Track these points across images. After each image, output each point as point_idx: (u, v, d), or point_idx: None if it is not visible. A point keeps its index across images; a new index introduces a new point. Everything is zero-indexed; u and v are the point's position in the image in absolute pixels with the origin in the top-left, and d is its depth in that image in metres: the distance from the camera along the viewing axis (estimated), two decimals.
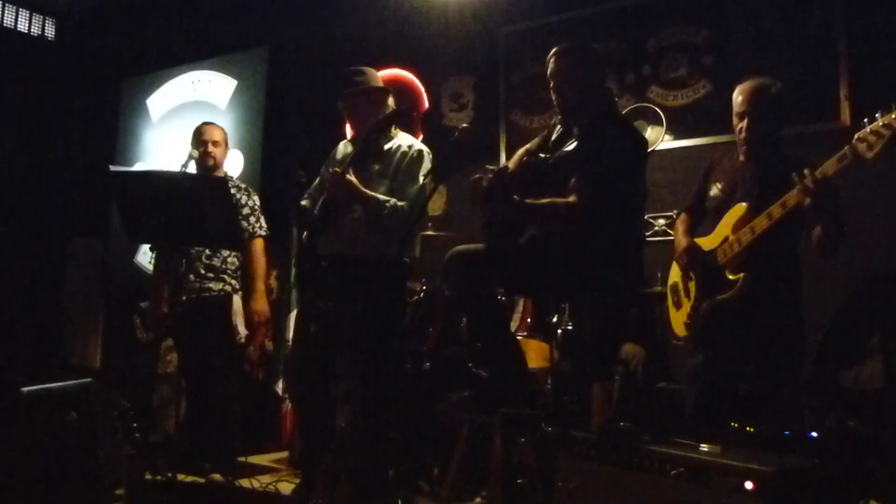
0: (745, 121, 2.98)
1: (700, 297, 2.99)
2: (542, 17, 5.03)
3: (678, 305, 3.13)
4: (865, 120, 2.55)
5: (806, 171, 2.60)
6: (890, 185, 3.83)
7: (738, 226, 2.88)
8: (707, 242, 3.04)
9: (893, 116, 2.47)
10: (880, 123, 2.49)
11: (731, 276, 2.87)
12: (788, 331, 2.91)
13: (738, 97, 3.02)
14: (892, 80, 3.76)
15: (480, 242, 2.93)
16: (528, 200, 2.74)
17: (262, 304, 4.15)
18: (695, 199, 3.25)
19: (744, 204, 2.90)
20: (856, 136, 2.54)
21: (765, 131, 2.98)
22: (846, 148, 2.56)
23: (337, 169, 3.28)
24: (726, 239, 2.92)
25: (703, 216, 3.19)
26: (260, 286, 4.16)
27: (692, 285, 3.05)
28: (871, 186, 3.84)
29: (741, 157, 3.07)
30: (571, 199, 2.72)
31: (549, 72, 2.98)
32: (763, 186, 2.88)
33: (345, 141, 3.78)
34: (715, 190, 3.10)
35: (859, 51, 3.98)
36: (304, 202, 3.56)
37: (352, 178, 3.22)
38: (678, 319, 3.12)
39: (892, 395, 3.14)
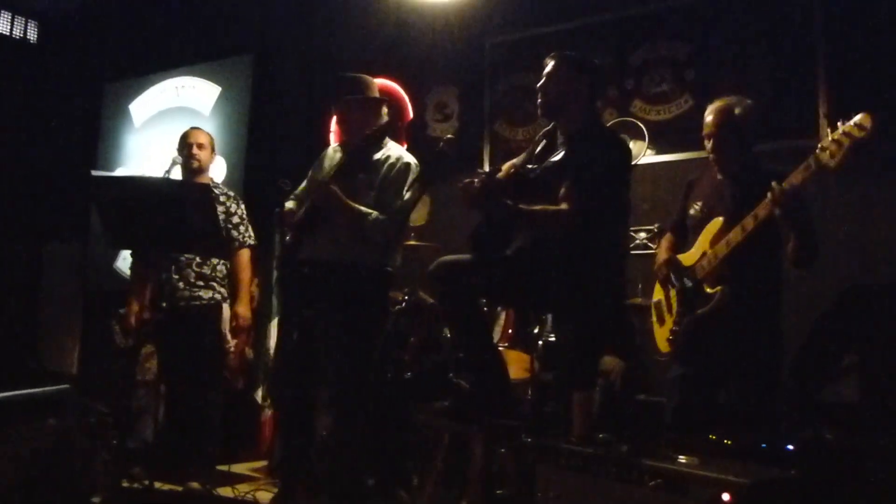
0: (712, 141, 3.03)
1: (681, 313, 3.02)
2: (527, 29, 5.07)
3: (661, 321, 3.16)
4: (829, 130, 2.60)
5: (773, 183, 2.65)
6: (866, 201, 3.90)
7: (715, 240, 2.92)
8: (687, 258, 3.07)
9: (852, 124, 2.53)
10: (840, 132, 2.55)
11: (709, 290, 2.91)
12: (766, 343, 2.94)
13: (706, 118, 3.07)
14: (870, 97, 3.82)
15: (465, 253, 2.93)
16: (522, 206, 2.74)
17: (245, 310, 4.14)
18: (677, 218, 3.28)
19: (720, 218, 2.94)
20: (818, 145, 2.59)
21: (733, 150, 3.01)
22: (810, 158, 2.61)
23: (322, 179, 3.27)
24: (704, 254, 2.96)
25: (686, 235, 3.22)
26: (245, 293, 4.15)
27: (674, 301, 3.08)
28: (847, 203, 3.91)
29: (718, 176, 3.11)
30: (563, 206, 2.73)
31: (544, 71, 2.98)
32: (739, 202, 2.92)
33: (334, 145, 3.76)
34: (694, 209, 3.14)
35: (838, 68, 4.05)
36: (288, 204, 3.55)
37: (336, 189, 3.21)
38: (661, 335, 3.14)
39: (868, 408, 3.19)
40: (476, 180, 2.77)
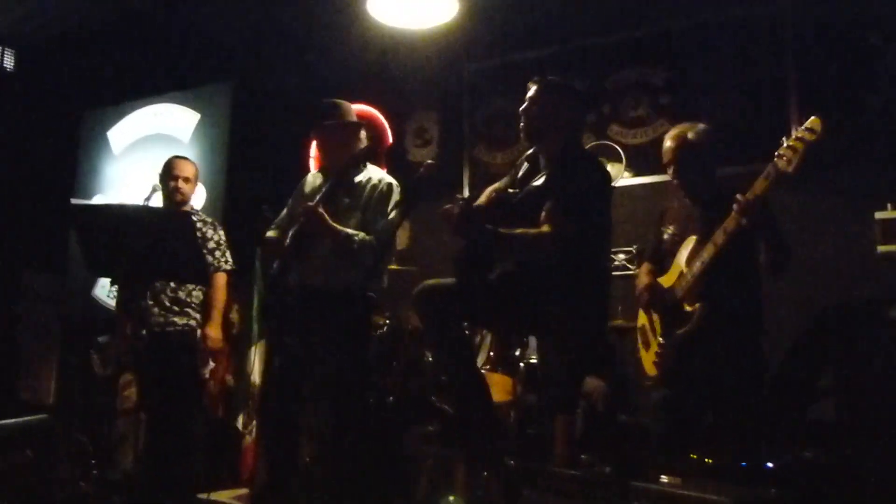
0: (672, 168, 3.11)
1: (665, 335, 3.04)
2: (506, 55, 5.14)
3: (647, 346, 3.18)
4: (784, 138, 2.69)
5: (737, 196, 2.72)
6: (841, 222, 3.97)
7: (690, 258, 2.97)
8: (666, 280, 3.11)
9: (804, 129, 2.64)
10: (794, 138, 2.65)
11: (688, 308, 2.94)
12: (748, 359, 2.97)
13: (664, 145, 3.15)
14: (841, 122, 3.90)
15: (448, 276, 2.94)
16: (502, 230, 2.76)
17: (215, 331, 4.11)
18: (653, 246, 3.33)
19: (693, 237, 2.99)
20: (776, 153, 2.68)
21: (693, 174, 3.08)
22: (769, 166, 2.69)
23: (309, 204, 3.28)
24: (682, 273, 3.00)
25: (663, 261, 3.25)
26: (216, 316, 4.13)
27: (658, 324, 3.11)
28: (823, 223, 3.98)
29: (685, 199, 3.17)
30: (544, 228, 2.75)
31: (527, 95, 3.02)
32: (709, 221, 2.97)
33: (313, 172, 3.79)
34: (667, 234, 3.20)
35: (809, 94, 4.15)
36: (271, 233, 3.56)
37: (322, 212, 3.23)
38: (648, 359, 3.16)
39: (846, 427, 3.22)
40: (455, 206, 2.79)
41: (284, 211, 3.67)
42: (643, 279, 3.21)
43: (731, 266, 2.88)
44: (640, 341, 3.23)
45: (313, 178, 3.70)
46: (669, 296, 3.04)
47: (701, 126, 3.10)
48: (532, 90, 3.01)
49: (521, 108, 3.02)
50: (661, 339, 3.04)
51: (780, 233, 2.85)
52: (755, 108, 4.28)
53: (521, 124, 3.02)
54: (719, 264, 2.85)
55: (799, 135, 2.64)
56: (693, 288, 2.93)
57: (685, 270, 2.97)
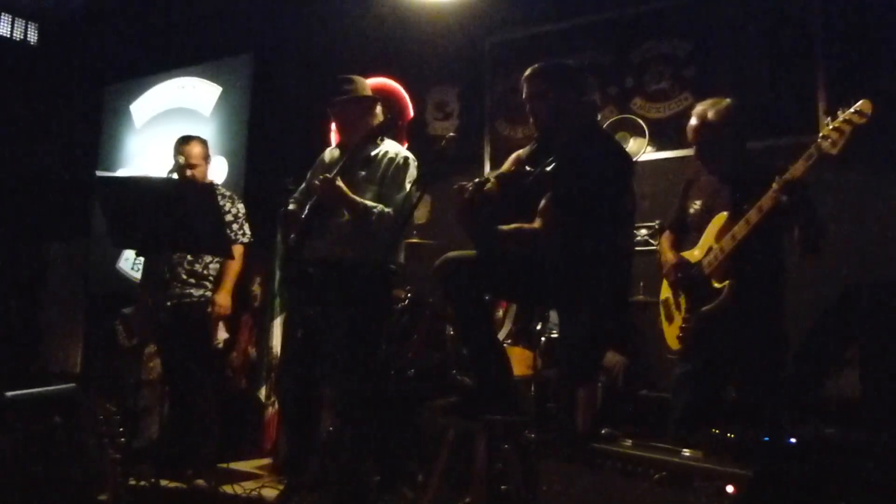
0: (695, 148, 3.08)
1: (690, 310, 3.02)
2: (527, 28, 5.09)
3: (670, 320, 3.16)
4: (829, 119, 2.63)
5: (777, 177, 2.68)
6: (866, 197, 3.92)
7: (721, 235, 2.93)
8: (692, 255, 3.09)
9: (852, 111, 2.57)
10: (841, 119, 2.58)
11: (717, 285, 2.91)
12: (771, 337, 2.96)
13: (689, 123, 3.09)
14: (869, 93, 3.83)
15: (468, 249, 2.95)
16: (499, 227, 2.76)
17: (223, 299, 4.14)
18: (676, 216, 3.29)
19: (724, 213, 2.95)
20: (819, 134, 2.62)
21: (716, 152, 3.03)
22: (812, 147, 2.64)
23: (326, 175, 3.30)
24: (710, 249, 2.97)
25: (685, 232, 3.24)
26: (228, 284, 4.16)
27: (682, 299, 3.09)
28: (848, 199, 3.93)
29: (712, 176, 3.14)
30: (536, 223, 2.74)
31: (523, 95, 2.97)
32: (739, 197, 2.94)
33: (331, 147, 3.81)
34: (693, 208, 3.15)
35: (837, 65, 4.07)
36: (290, 206, 3.58)
37: (341, 184, 3.25)
38: (671, 333, 3.14)
39: (869, 403, 3.20)
40: (465, 191, 2.79)
41: (303, 185, 3.68)
42: (669, 256, 3.17)
43: (760, 244, 2.85)
44: (663, 314, 3.22)
45: (330, 152, 3.71)
46: (696, 271, 3.02)
47: (724, 104, 3.02)
48: (524, 88, 2.95)
49: (526, 106, 2.97)
50: (685, 313, 3.02)
51: (816, 211, 2.81)
52: (781, 79, 4.20)
53: (532, 121, 2.98)
54: (750, 242, 2.82)
55: (847, 117, 2.56)
56: (722, 264, 2.90)
57: (715, 246, 2.94)
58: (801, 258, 2.90)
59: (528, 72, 2.97)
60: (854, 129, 2.55)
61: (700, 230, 3.06)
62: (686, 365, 3.06)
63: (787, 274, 3.04)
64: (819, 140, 2.61)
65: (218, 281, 4.17)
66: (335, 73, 3.67)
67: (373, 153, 3.48)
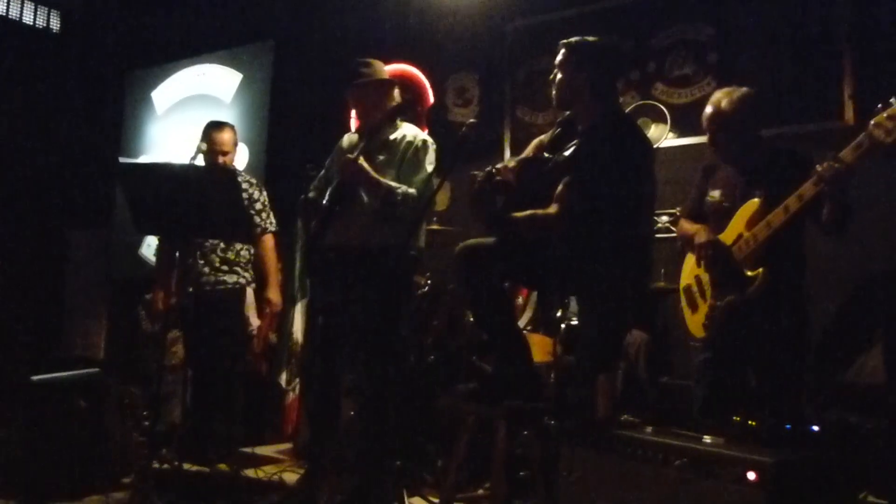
0: (708, 138, 3.09)
1: (717, 297, 2.99)
2: (547, 13, 5.06)
3: (693, 307, 3.13)
4: (880, 105, 2.55)
5: (826, 163, 2.62)
6: (892, 181, 3.86)
7: (753, 222, 2.88)
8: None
9: None
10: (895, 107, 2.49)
11: (749, 273, 2.87)
12: (797, 325, 2.93)
13: (704, 111, 3.09)
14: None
15: (489, 236, 2.94)
16: (509, 215, 2.75)
17: (275, 295, 4.19)
18: (695, 202, 3.26)
19: (756, 199, 2.91)
20: (871, 122, 2.53)
21: (725, 145, 3.03)
22: (862, 135, 2.56)
23: (349, 156, 3.29)
24: (741, 236, 2.92)
25: (703, 220, 3.19)
26: (274, 279, 4.22)
27: (707, 286, 3.06)
28: (873, 183, 3.87)
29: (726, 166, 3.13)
30: (552, 209, 2.72)
31: (555, 61, 2.94)
32: (764, 185, 2.91)
33: (349, 133, 3.80)
34: (713, 196, 3.12)
35: (863, 49, 4.00)
36: (310, 193, 3.59)
37: (364, 164, 3.24)
38: (695, 321, 3.11)
39: (893, 390, 3.18)
40: (476, 180, 2.78)
41: (322, 172, 3.69)
42: (702, 234, 3.08)
43: (790, 231, 2.83)
44: (684, 302, 3.19)
45: (349, 138, 3.71)
46: (728, 260, 2.97)
47: (739, 93, 3.00)
48: (559, 55, 2.92)
49: (550, 77, 2.95)
50: (712, 299, 3.00)
51: (848, 204, 2.77)
52: (806, 64, 4.13)
53: (553, 92, 2.95)
54: (783, 232, 2.79)
55: None
56: (755, 252, 2.86)
57: (746, 234, 2.90)
58: (835, 240, 2.86)
59: (563, 41, 2.93)
60: None
61: (719, 219, 3.03)
62: (708, 352, 3.04)
63: (807, 260, 3.01)
64: (871, 128, 2.53)
65: (260, 276, 4.20)
66: (355, 60, 3.66)
67: (391, 137, 3.48)
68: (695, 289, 3.13)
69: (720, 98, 3.02)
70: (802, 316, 2.96)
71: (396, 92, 3.61)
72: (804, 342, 2.97)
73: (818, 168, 2.64)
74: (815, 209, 2.79)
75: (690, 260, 3.20)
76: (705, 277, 3.08)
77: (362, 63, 3.57)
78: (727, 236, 3.01)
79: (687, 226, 3.23)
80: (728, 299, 2.93)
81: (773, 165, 2.95)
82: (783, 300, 2.88)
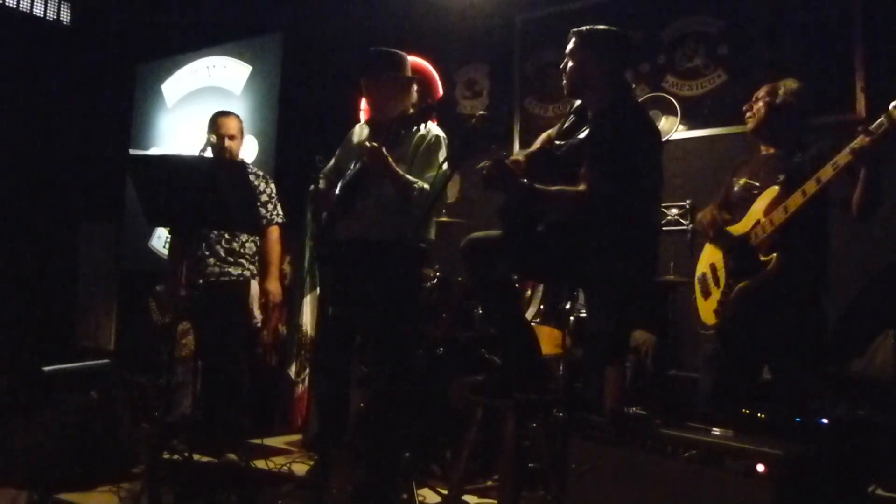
0: (753, 125, 3.12)
1: (730, 283, 2.99)
2: (558, 5, 5.04)
3: (707, 294, 3.14)
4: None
5: (857, 139, 2.66)
6: None
7: (771, 208, 2.90)
8: (737, 229, 3.05)
9: None
10: None
11: (763, 258, 2.88)
12: (812, 316, 2.94)
13: (758, 99, 3.12)
14: None
15: (497, 229, 2.94)
16: (537, 185, 2.72)
17: (275, 286, 4.18)
18: (722, 196, 3.27)
19: (776, 187, 2.92)
20: (892, 104, 2.58)
21: (782, 128, 3.07)
22: (883, 115, 2.60)
23: (374, 143, 3.22)
24: (758, 222, 2.93)
25: (729, 211, 3.20)
26: (274, 270, 4.20)
27: (721, 272, 3.07)
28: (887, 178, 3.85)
29: (766, 151, 3.14)
30: (581, 187, 2.71)
31: (565, 50, 2.93)
32: (789, 170, 2.93)
33: (360, 123, 3.74)
34: (738, 185, 3.14)
35: (875, 42, 3.98)
36: (320, 184, 3.55)
37: (385, 152, 3.19)
38: (707, 308, 3.12)
39: None
40: (487, 163, 2.75)
41: (332, 162, 3.67)
42: (708, 214, 3.16)
43: (808, 218, 2.84)
44: (698, 290, 3.19)
45: (360, 129, 3.66)
46: (741, 243, 2.99)
47: (796, 84, 3.10)
48: (570, 43, 2.91)
49: (561, 65, 2.94)
50: (725, 286, 3.00)
51: (880, 174, 2.79)
52: (818, 56, 4.12)
53: (563, 81, 2.94)
54: (801, 215, 2.80)
55: None
56: (771, 237, 2.87)
57: (763, 220, 2.91)
58: (861, 223, 2.87)
59: (574, 30, 2.93)
60: None
61: (743, 205, 3.04)
62: (716, 343, 3.04)
63: (831, 251, 3.01)
64: (892, 108, 2.58)
65: (261, 266, 4.20)
66: (365, 51, 3.61)
67: (404, 131, 3.42)
68: (709, 276, 3.13)
69: (776, 86, 3.10)
70: (819, 308, 2.97)
71: (415, 88, 3.50)
72: (820, 334, 2.97)
73: (851, 145, 2.66)
74: (843, 195, 2.81)
75: (707, 249, 3.21)
76: (720, 265, 3.08)
77: (386, 54, 3.43)
78: (746, 223, 3.01)
79: (700, 213, 3.25)
80: (742, 285, 2.92)
81: (804, 156, 2.97)
82: (800, 289, 2.88)
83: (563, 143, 2.94)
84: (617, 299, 2.78)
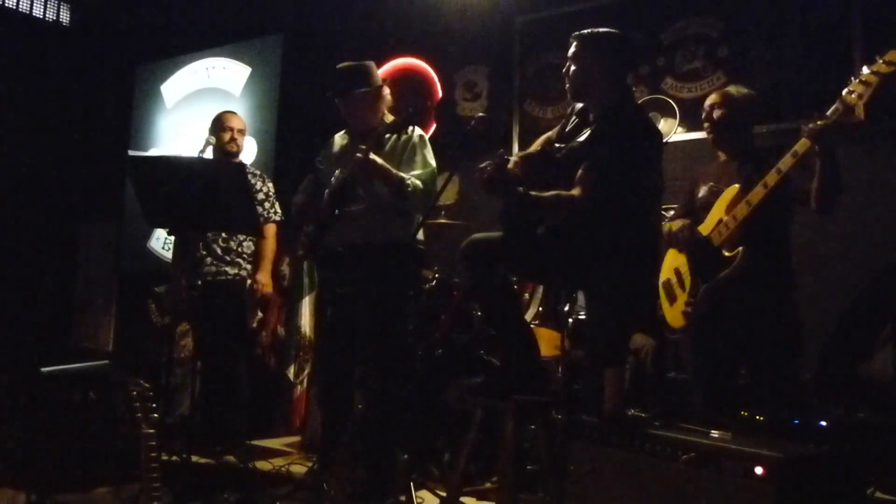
0: (711, 132, 3.17)
1: (696, 284, 3.02)
2: (557, 7, 5.04)
3: (672, 299, 3.17)
4: (852, 77, 2.66)
5: (811, 124, 2.70)
6: None
7: (732, 205, 2.94)
8: (701, 231, 3.08)
9: (881, 62, 2.58)
10: (868, 72, 2.60)
11: (728, 254, 2.91)
12: (783, 312, 2.96)
13: (709, 106, 3.17)
14: None
15: (496, 230, 2.94)
16: (532, 193, 2.73)
17: (264, 277, 4.19)
18: (684, 203, 3.29)
19: (736, 185, 2.96)
20: (845, 89, 2.64)
21: (736, 132, 3.12)
22: (837, 101, 2.66)
23: (358, 154, 3.22)
24: (721, 220, 2.97)
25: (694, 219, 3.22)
26: (267, 264, 4.22)
27: (686, 276, 3.09)
28: (882, 178, 3.86)
29: (722, 157, 3.19)
30: (575, 191, 2.71)
31: (568, 53, 2.94)
32: (748, 171, 2.97)
33: (340, 133, 3.68)
34: (702, 192, 3.17)
35: (874, 44, 3.97)
36: (298, 198, 3.51)
37: (375, 157, 3.19)
38: (674, 312, 3.16)
39: None
40: (489, 165, 2.76)
41: (308, 177, 3.58)
42: (675, 223, 3.19)
43: (770, 212, 2.86)
44: (663, 296, 3.23)
45: (341, 138, 3.62)
46: (704, 244, 3.01)
47: (745, 90, 3.15)
48: (571, 48, 2.92)
49: (563, 69, 2.94)
50: (692, 287, 3.03)
51: (837, 164, 2.81)
52: (817, 59, 4.12)
53: (566, 84, 2.94)
54: (763, 209, 2.81)
55: (875, 69, 2.59)
56: (734, 234, 2.91)
57: (725, 218, 2.95)
58: (821, 216, 2.89)
59: (576, 33, 2.94)
60: (882, 81, 2.56)
61: (709, 209, 3.07)
62: (697, 347, 3.07)
63: (815, 259, 3.02)
64: (844, 94, 2.63)
65: (255, 261, 4.21)
66: (363, 55, 3.59)
67: (387, 135, 3.39)
68: (674, 280, 3.17)
69: (728, 90, 3.14)
70: (789, 306, 2.99)
71: (387, 91, 3.49)
72: (794, 334, 2.98)
73: (806, 127, 2.70)
74: (801, 192, 2.84)
75: (669, 254, 3.24)
76: (685, 268, 3.11)
77: (351, 71, 3.39)
78: (707, 224, 3.05)
79: (666, 224, 3.26)
80: (710, 283, 2.96)
81: (763, 157, 3.00)
82: (768, 284, 2.91)
83: (563, 145, 2.95)
84: (617, 301, 2.78)
